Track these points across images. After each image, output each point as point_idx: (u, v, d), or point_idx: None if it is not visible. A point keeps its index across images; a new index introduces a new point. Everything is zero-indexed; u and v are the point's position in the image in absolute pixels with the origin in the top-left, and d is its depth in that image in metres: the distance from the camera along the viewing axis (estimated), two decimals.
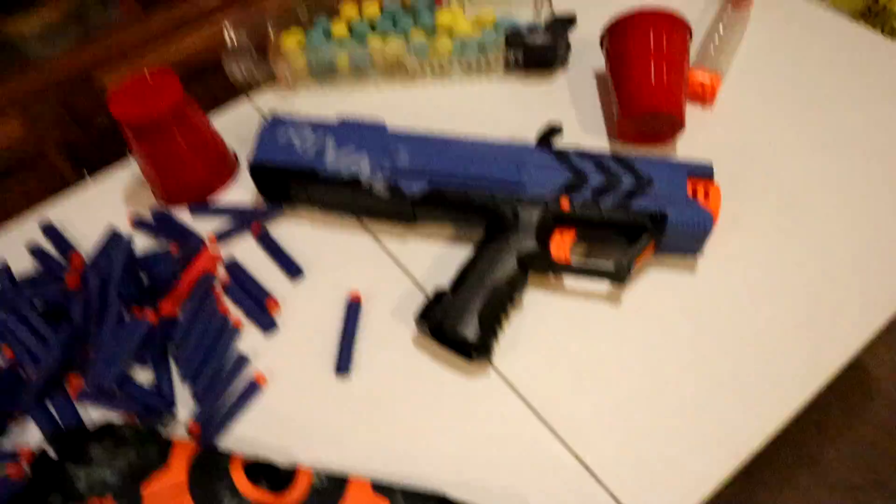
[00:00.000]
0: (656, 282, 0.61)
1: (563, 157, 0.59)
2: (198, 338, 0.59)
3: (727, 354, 0.57)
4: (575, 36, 0.78)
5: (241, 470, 0.49)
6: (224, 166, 0.71)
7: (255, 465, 0.50)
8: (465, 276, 0.56)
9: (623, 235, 0.58)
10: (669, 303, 0.59)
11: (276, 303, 0.62)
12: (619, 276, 0.56)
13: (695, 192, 0.57)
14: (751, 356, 0.56)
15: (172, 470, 0.49)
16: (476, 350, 0.54)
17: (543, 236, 0.58)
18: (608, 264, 0.57)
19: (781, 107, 0.72)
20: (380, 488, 0.49)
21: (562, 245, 0.58)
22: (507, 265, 0.56)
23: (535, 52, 0.74)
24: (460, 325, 0.53)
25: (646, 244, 0.56)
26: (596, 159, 0.59)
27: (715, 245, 0.62)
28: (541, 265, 0.58)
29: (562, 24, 0.74)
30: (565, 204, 0.57)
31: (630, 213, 0.57)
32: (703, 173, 0.58)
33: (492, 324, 0.55)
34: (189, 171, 0.67)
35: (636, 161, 0.59)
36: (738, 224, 0.63)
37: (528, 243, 0.57)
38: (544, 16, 0.74)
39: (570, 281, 0.60)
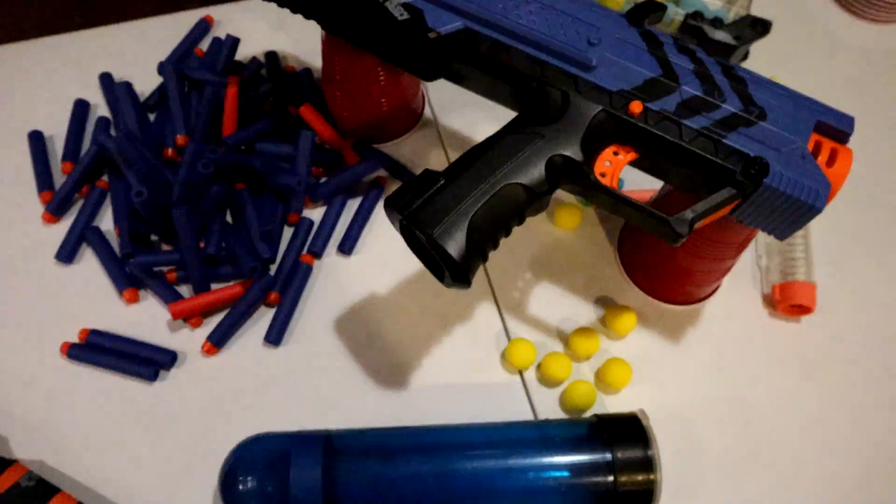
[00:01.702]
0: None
1: (655, 43, 0.42)
2: None
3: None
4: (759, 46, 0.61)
5: None
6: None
7: None
8: (469, 163, 0.39)
9: (697, 179, 0.41)
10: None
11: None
12: (674, 232, 0.39)
13: (816, 148, 0.41)
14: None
15: None
16: (454, 272, 0.38)
17: (592, 144, 0.41)
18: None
19: None
20: None
21: (614, 163, 0.42)
22: (532, 166, 0.39)
23: (710, 50, 0.58)
24: (443, 229, 0.37)
25: (724, 200, 0.40)
26: (698, 60, 0.41)
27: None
28: (575, 181, 0.41)
29: (753, 27, 0.59)
30: (636, 108, 0.40)
31: (720, 149, 0.40)
32: (838, 126, 0.41)
33: (484, 241, 0.38)
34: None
35: (750, 80, 0.41)
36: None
37: (570, 146, 0.40)
38: (736, 11, 0.59)
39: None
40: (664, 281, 0.52)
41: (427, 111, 0.60)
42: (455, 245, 0.37)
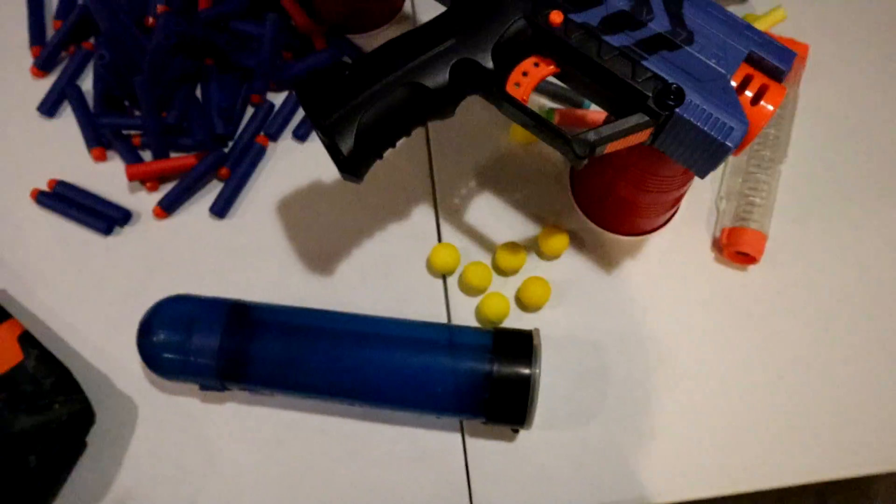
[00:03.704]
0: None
1: None
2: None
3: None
4: None
5: None
6: None
7: None
8: (377, 57, 0.39)
9: (613, 101, 0.40)
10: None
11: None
12: (576, 153, 0.38)
13: (745, 82, 0.38)
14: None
15: None
16: (342, 165, 0.39)
17: (509, 53, 0.40)
18: (567, 131, 0.39)
19: None
20: (24, 340, 0.47)
21: (532, 74, 0.40)
22: (436, 68, 0.39)
23: None
24: (334, 121, 0.38)
25: (634, 126, 0.38)
26: None
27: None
28: (481, 88, 0.40)
29: None
30: (556, 18, 0.39)
31: (637, 71, 0.38)
32: (774, 60, 0.38)
33: (377, 139, 0.39)
34: None
35: (689, 1, 0.39)
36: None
37: (481, 52, 0.39)
38: None
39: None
40: (609, 210, 0.51)
41: (407, 6, 0.59)
42: (344, 139, 0.38)
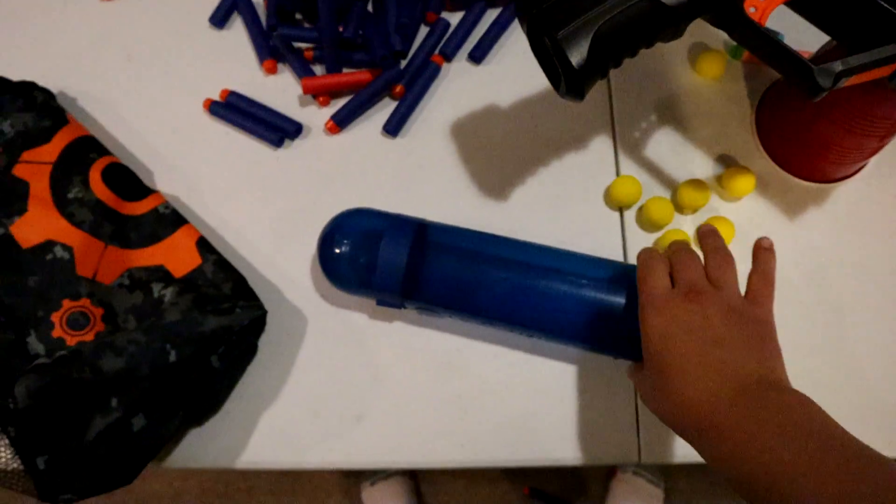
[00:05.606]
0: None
1: None
2: None
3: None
4: None
5: (99, 170, 0.49)
6: None
7: (119, 169, 0.50)
8: None
9: (861, 28, 0.37)
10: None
11: None
12: (815, 83, 0.36)
13: None
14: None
15: (50, 147, 0.49)
16: (570, 81, 0.37)
17: None
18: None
19: None
20: (202, 246, 0.49)
21: (767, 0, 0.38)
22: None
23: None
24: (568, 33, 0.36)
25: (889, 57, 0.36)
26: None
27: None
28: (719, 9, 0.38)
29: None
30: None
31: None
32: None
33: (607, 55, 0.37)
34: None
35: None
36: None
37: None
38: None
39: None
40: (799, 152, 0.49)
41: None
42: (577, 52, 0.36)
